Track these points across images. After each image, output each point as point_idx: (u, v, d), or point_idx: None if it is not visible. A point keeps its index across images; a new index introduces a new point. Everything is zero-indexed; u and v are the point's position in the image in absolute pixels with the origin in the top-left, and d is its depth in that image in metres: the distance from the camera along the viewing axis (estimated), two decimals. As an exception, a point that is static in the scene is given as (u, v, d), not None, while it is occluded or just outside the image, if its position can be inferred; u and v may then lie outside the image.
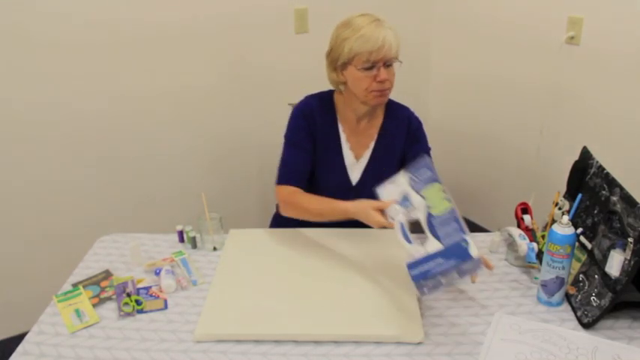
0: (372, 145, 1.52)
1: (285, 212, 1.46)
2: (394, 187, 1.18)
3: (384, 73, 1.37)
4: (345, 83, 1.45)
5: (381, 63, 1.36)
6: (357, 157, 1.53)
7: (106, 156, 2.05)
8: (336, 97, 1.52)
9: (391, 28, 1.37)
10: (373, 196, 1.51)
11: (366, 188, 1.48)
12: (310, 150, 1.49)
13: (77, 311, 1.19)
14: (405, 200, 1.11)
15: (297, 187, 1.46)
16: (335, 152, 1.52)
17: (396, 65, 1.41)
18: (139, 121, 2.08)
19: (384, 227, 1.18)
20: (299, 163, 1.48)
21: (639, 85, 1.88)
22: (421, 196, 1.12)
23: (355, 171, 1.53)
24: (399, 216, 1.07)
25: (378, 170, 1.50)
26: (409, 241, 1.01)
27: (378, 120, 1.53)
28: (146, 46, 2.00)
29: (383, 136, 1.52)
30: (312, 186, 1.55)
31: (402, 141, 1.53)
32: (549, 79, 2.19)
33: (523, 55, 2.27)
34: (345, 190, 1.52)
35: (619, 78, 1.94)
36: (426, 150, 1.54)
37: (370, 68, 1.36)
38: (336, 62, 1.42)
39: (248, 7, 2.14)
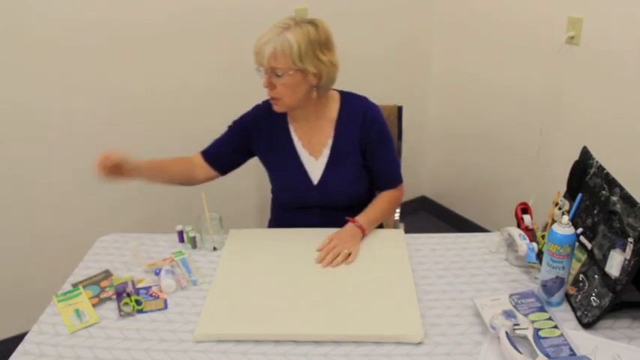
0: (329, 142, 1.49)
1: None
2: (496, 304, 1.16)
3: (266, 80, 1.36)
4: None
5: (265, 68, 1.35)
6: (316, 156, 1.50)
7: (106, 156, 2.05)
8: None
9: (288, 40, 1.31)
10: (337, 195, 1.51)
11: (329, 187, 1.49)
12: (236, 146, 1.53)
13: (77, 311, 1.19)
14: (510, 315, 1.10)
15: (206, 160, 1.53)
16: (289, 153, 1.50)
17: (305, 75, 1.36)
18: (139, 120, 2.08)
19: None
20: (221, 146, 1.53)
21: (639, 85, 1.88)
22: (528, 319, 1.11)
23: (316, 170, 1.50)
24: (503, 326, 1.05)
25: (340, 167, 1.49)
26: (519, 351, 1.00)
27: (332, 116, 1.49)
28: (145, 47, 2.00)
29: (339, 132, 1.49)
30: (275, 190, 1.60)
31: (357, 134, 1.48)
32: (549, 79, 2.19)
33: (523, 55, 2.27)
34: (307, 191, 1.50)
35: (619, 78, 1.94)
36: (387, 144, 1.51)
37: (266, 71, 1.36)
38: None
39: (248, 7, 2.14)
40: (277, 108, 1.42)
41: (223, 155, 1.54)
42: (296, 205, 1.55)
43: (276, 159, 1.52)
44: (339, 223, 1.44)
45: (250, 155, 1.57)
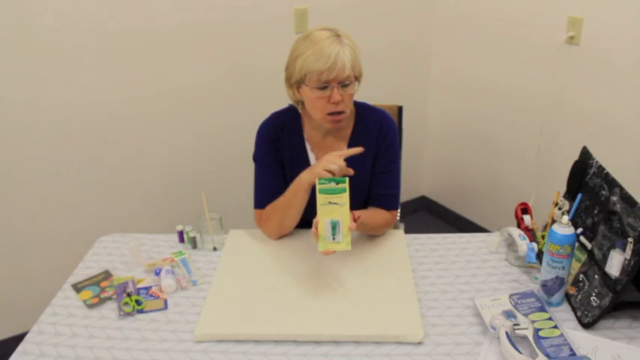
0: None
1: (266, 229, 1.43)
2: (497, 304, 1.16)
3: (337, 94, 1.28)
4: (302, 102, 1.39)
5: (334, 83, 1.28)
6: None
7: (106, 156, 2.05)
8: (302, 112, 1.45)
9: (350, 46, 1.29)
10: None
11: None
12: (280, 170, 1.45)
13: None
14: (510, 315, 1.10)
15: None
16: (303, 170, 1.43)
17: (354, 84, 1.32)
18: (139, 121, 2.08)
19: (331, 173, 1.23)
20: (272, 186, 1.43)
21: (639, 85, 1.88)
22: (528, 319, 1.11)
23: None
24: (503, 326, 1.06)
25: (351, 185, 1.43)
26: (519, 351, 1.00)
27: (347, 131, 1.44)
28: (146, 47, 2.00)
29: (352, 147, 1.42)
30: None
31: (373, 149, 1.43)
32: (549, 79, 2.19)
33: (523, 55, 2.28)
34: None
35: (619, 78, 1.94)
36: (390, 162, 1.45)
37: (324, 88, 1.28)
38: (291, 79, 1.35)
39: (248, 7, 2.15)
40: (339, 125, 1.36)
41: (277, 187, 1.43)
42: (305, 218, 1.45)
43: (293, 175, 1.42)
44: None
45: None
